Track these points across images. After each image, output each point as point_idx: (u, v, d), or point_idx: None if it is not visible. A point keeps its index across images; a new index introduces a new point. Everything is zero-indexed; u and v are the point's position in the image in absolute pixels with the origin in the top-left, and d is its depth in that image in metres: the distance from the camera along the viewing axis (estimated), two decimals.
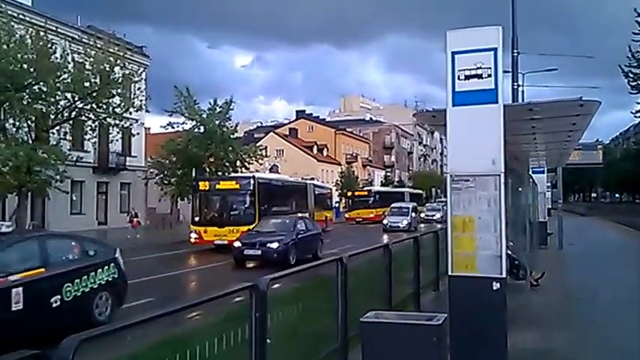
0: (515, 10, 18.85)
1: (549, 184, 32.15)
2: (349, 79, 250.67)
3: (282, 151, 76.46)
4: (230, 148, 40.88)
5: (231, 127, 42.62)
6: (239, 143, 44.33)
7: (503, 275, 6.31)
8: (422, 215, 50.70)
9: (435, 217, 53.42)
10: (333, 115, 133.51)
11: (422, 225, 45.36)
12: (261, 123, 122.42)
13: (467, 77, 6.27)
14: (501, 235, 6.25)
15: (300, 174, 71.66)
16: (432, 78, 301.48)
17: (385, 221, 42.84)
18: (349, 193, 57.51)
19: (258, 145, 50.35)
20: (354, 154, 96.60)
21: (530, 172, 19.20)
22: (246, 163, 42.21)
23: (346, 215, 59.00)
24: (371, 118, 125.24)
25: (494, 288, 6.24)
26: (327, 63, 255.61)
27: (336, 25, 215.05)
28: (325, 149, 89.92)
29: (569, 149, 14.78)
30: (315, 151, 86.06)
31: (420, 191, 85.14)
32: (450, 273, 6.54)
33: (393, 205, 45.94)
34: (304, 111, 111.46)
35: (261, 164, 47.32)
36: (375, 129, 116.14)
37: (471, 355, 6.04)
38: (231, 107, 42.06)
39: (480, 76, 6.22)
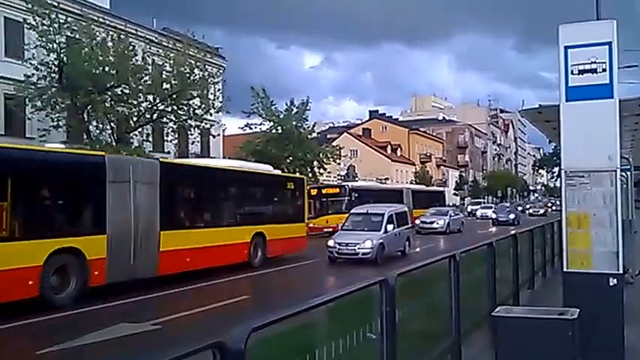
0: (600, 6, 18.23)
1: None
2: (419, 78, 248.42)
3: (356, 151, 76.26)
4: (308, 149, 41.23)
5: (308, 127, 43.02)
6: (316, 144, 44.58)
7: (620, 271, 6.20)
8: (417, 222, 34.99)
9: (434, 226, 37.48)
10: (405, 115, 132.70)
11: (417, 247, 26.89)
12: (333, 123, 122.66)
13: (580, 72, 6.18)
14: (617, 231, 6.16)
15: (375, 174, 71.74)
16: (502, 76, 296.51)
17: (331, 242, 22.27)
18: (313, 191, 37.24)
19: (334, 145, 50.39)
20: (428, 154, 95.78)
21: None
22: (323, 164, 42.49)
23: (310, 224, 32.49)
24: (444, 118, 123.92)
25: (611, 284, 6.16)
26: (397, 62, 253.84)
27: (407, 24, 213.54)
28: (399, 149, 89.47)
29: None
30: (389, 151, 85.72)
31: (440, 189, 66.78)
32: (564, 269, 6.46)
33: (353, 211, 25.22)
34: (377, 111, 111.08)
35: (338, 164, 47.42)
36: (449, 128, 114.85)
37: (589, 351, 5.93)
38: (307, 108, 42.57)
39: (594, 71, 6.13)
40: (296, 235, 23.21)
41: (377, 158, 79.47)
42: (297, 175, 33.16)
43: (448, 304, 6.47)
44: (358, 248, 21.29)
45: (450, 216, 39.62)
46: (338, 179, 57.42)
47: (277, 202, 23.79)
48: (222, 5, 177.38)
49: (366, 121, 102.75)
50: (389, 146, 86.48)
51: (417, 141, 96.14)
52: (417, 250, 25.53)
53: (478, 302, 7.99)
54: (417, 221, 34.90)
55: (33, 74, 26.14)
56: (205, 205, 19.17)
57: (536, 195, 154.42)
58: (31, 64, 26.20)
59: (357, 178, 57.36)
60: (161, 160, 19.00)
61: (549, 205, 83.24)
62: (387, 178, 76.32)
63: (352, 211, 25.15)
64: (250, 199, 21.98)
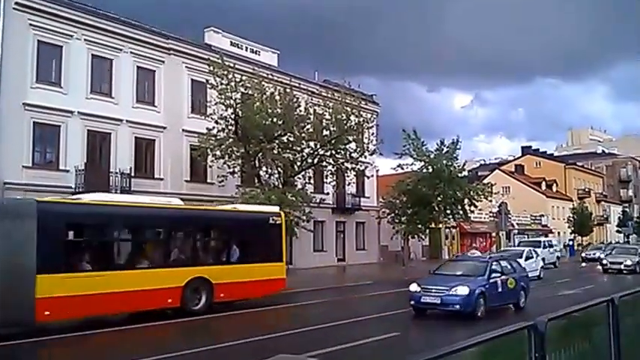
0: None
1: None
2: (573, 112, 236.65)
3: (509, 188, 75.47)
4: (458, 187, 42.13)
5: (459, 166, 43.94)
6: (466, 182, 45.31)
7: None
8: (604, 263, 34.02)
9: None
10: (561, 150, 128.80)
11: None
12: (484, 161, 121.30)
13: None
14: None
15: (530, 211, 70.65)
16: None
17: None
18: None
19: (485, 182, 50.72)
20: (587, 189, 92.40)
21: None
22: (474, 201, 43.12)
23: None
24: (603, 151, 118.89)
25: None
26: (550, 97, 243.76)
27: (558, 59, 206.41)
28: (554, 185, 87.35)
29: None
30: (543, 187, 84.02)
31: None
32: None
33: None
34: (530, 147, 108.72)
35: (490, 201, 47.64)
36: (609, 162, 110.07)
37: None
38: (457, 147, 43.26)
39: None
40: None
41: (531, 195, 78.13)
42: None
43: (606, 351, 6.03)
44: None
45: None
46: (490, 217, 57.50)
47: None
48: (377, 57, 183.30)
49: (519, 157, 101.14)
50: (543, 182, 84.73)
51: (574, 176, 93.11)
52: None
53: None
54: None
55: (213, 127, 29.62)
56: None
57: None
58: (212, 118, 29.59)
59: (510, 216, 57.07)
60: None
61: None
62: (541, 215, 74.91)
63: None
64: None
